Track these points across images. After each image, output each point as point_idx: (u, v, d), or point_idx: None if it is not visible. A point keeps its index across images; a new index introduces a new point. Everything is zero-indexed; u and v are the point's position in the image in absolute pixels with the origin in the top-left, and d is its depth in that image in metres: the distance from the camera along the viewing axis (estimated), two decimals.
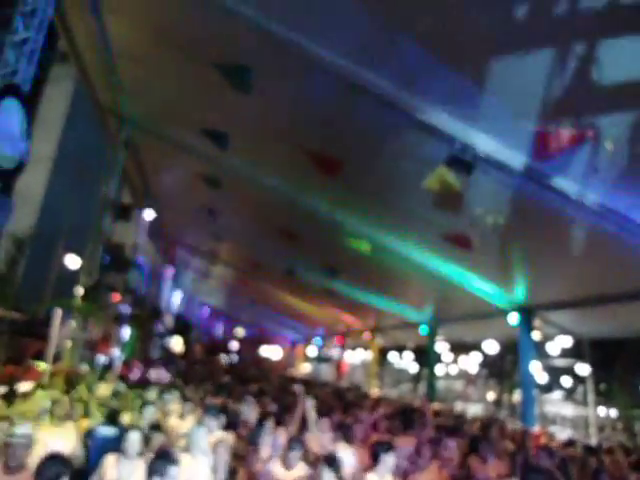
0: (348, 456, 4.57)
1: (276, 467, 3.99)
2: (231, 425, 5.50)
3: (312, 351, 29.21)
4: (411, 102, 6.31)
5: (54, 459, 3.03)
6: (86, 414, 5.54)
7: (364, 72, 6.22)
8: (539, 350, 16.16)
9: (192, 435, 4.10)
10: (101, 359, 11.19)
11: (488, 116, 5.85)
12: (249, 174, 10.30)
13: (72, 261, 10.36)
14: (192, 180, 12.08)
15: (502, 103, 5.41)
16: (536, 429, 9.13)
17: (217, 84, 7.13)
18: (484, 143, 6.00)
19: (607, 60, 4.24)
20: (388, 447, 3.98)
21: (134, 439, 3.86)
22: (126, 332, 14.86)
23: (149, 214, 13.49)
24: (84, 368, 9.33)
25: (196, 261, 21.58)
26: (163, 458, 3.25)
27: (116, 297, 13.00)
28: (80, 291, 10.16)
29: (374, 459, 3.92)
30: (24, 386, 7.34)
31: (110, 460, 3.73)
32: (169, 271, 22.58)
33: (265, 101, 7.84)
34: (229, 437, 4.98)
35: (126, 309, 13.90)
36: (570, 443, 7.71)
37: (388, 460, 3.86)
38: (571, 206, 5.88)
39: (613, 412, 22.84)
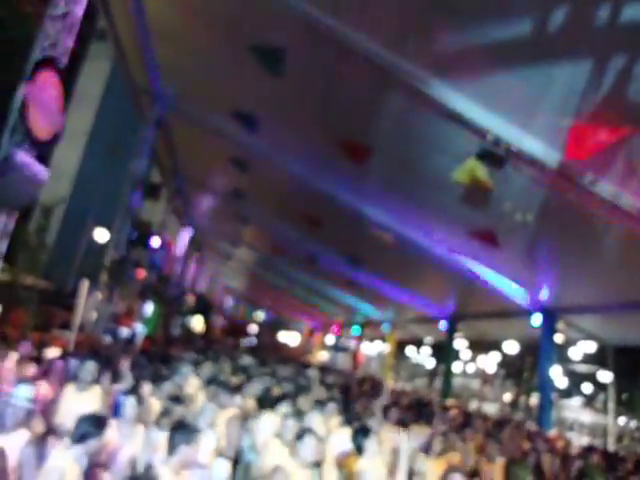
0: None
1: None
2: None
3: (330, 340, 29.36)
4: (444, 93, 6.19)
5: (88, 419, 3.18)
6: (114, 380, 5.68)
7: (398, 59, 6.12)
8: (561, 354, 15.86)
9: (202, 409, 4.19)
10: (124, 332, 11.52)
11: (522, 110, 5.69)
12: (277, 158, 10.32)
13: (101, 235, 10.61)
14: (221, 162, 12.18)
15: (538, 97, 5.25)
16: (552, 433, 8.98)
17: (250, 66, 7.13)
18: (517, 138, 5.84)
19: None
20: (367, 431, 4.07)
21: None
22: (149, 308, 15.20)
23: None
24: (107, 339, 9.60)
25: (220, 243, 21.84)
26: (186, 427, 3.37)
27: (141, 273, 13.28)
28: (107, 264, 10.41)
29: (357, 446, 4.06)
30: (51, 352, 7.60)
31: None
32: (194, 251, 22.94)
33: (296, 85, 7.81)
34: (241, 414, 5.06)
35: (151, 285, 14.23)
36: (590, 449, 7.55)
37: (370, 445, 3.98)
38: (605, 207, 5.70)
39: (633, 422, 22.31)
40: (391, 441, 4.77)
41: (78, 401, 4.49)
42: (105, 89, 20.78)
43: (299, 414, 4.70)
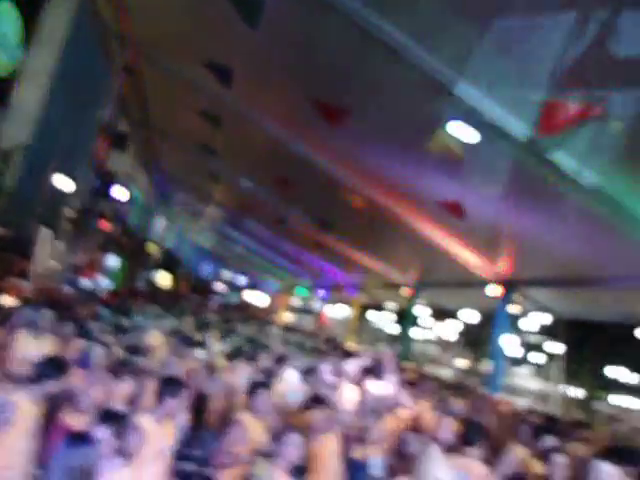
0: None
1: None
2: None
3: (295, 301, 29.72)
4: (423, 58, 6.11)
5: (47, 362, 3.20)
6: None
7: (379, 21, 5.97)
8: (515, 324, 16.56)
9: (163, 362, 4.23)
10: (85, 283, 11.31)
11: (497, 82, 5.69)
12: (250, 115, 10.08)
13: (63, 182, 10.25)
14: (192, 115, 11.80)
15: (513, 69, 5.25)
16: (499, 397, 9.46)
17: (227, 16, 6.83)
18: (490, 109, 5.87)
19: (626, 34, 4.09)
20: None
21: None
22: (113, 261, 14.94)
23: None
24: (67, 289, 9.43)
25: (189, 199, 21.47)
26: (173, 381, 3.55)
27: (105, 224, 12.96)
28: (69, 213, 10.10)
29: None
30: (6, 300, 7.43)
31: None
32: (161, 206, 22.50)
33: (274, 39, 7.55)
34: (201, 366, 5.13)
35: (114, 237, 13.92)
36: (530, 412, 8.03)
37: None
38: (566, 183, 5.85)
39: (578, 392, 23.75)
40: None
41: (33, 348, 4.45)
42: (71, 29, 19.53)
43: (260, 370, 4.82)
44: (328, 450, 4.16)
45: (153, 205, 21.22)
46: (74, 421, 3.42)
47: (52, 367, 3.24)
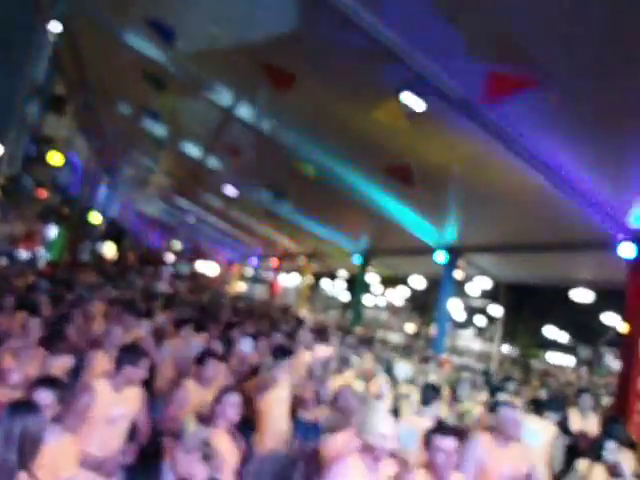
0: None
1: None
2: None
3: (248, 271, 29.60)
4: (373, 24, 6.05)
5: None
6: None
7: None
8: (460, 289, 17.30)
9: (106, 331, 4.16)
10: (22, 254, 10.74)
11: (444, 50, 5.74)
12: (195, 78, 9.69)
13: None
14: (134, 77, 11.21)
15: (459, 37, 5.31)
16: (442, 357, 9.97)
17: None
18: (437, 77, 5.93)
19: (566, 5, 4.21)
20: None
21: None
22: (52, 231, 14.23)
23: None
24: (2, 260, 8.94)
25: (134, 167, 20.62)
26: (132, 349, 3.51)
27: (42, 193, 12.27)
28: (0, 181, 9.48)
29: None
30: None
31: None
32: (103, 173, 21.50)
33: None
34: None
35: (53, 206, 13.19)
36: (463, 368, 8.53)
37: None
38: (505, 149, 6.06)
39: (515, 350, 25.36)
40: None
41: None
42: None
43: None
44: (275, 409, 4.25)
45: (95, 173, 20.23)
46: (3, 397, 3.30)
47: None
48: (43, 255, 13.08)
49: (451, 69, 5.93)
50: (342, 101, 8.08)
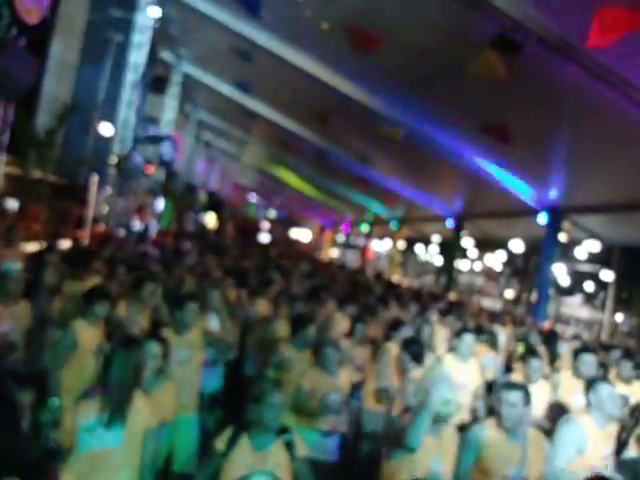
0: None
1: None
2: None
3: (340, 237, 29.96)
4: None
5: None
6: None
7: None
8: (565, 253, 16.10)
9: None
10: (136, 226, 11.86)
11: None
12: (280, 49, 9.78)
13: (106, 129, 10.53)
14: (224, 52, 11.59)
15: None
16: (545, 324, 9.43)
17: None
18: (533, 23, 5.44)
19: None
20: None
21: None
22: (160, 204, 15.47)
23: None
24: (121, 232, 9.93)
25: (230, 139, 21.53)
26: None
27: (150, 169, 13.32)
28: (114, 160, 10.44)
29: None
30: (65, 243, 7.96)
31: None
32: (202, 148, 22.73)
33: None
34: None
35: (160, 181, 14.31)
36: (575, 337, 7.97)
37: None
38: (620, 95, 5.44)
39: (629, 320, 23.21)
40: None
41: None
42: None
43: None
44: None
45: (194, 148, 21.46)
46: None
47: None
48: (154, 226, 14.32)
49: (550, 10, 5.39)
50: (431, 58, 7.72)
